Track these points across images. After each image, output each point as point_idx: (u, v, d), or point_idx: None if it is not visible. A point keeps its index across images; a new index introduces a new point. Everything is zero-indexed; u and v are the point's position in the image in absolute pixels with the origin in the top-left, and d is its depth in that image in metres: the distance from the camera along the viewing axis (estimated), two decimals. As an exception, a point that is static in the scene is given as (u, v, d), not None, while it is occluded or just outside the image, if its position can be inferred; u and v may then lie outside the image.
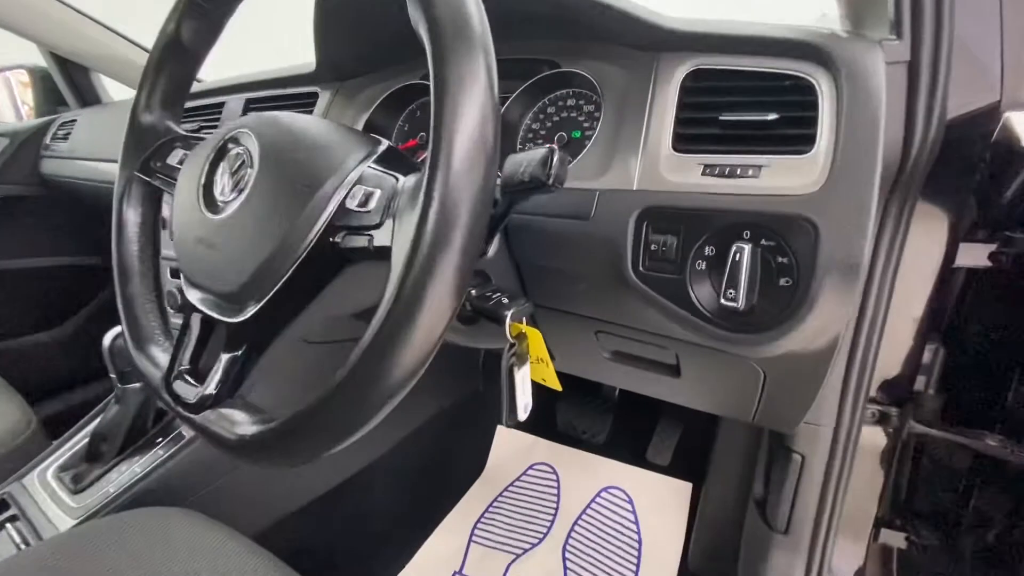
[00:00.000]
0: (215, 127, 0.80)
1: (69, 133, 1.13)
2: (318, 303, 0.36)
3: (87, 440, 0.71)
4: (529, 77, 0.56)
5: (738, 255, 0.36)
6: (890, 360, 0.62)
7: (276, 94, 0.75)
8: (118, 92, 1.31)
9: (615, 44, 0.50)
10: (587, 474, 1.07)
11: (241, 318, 0.36)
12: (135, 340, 0.45)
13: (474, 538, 0.98)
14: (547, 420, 1.14)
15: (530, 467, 1.12)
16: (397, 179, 0.33)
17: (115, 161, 1.00)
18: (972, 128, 0.44)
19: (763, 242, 0.36)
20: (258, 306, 0.35)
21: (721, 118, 0.40)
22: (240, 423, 0.34)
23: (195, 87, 0.85)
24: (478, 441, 1.17)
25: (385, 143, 0.39)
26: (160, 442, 0.70)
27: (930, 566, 0.72)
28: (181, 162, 0.46)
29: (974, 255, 0.57)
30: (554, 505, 1.03)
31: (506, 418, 0.47)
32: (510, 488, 1.09)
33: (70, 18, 1.13)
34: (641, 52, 0.48)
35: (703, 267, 0.39)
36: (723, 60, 0.42)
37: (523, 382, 0.46)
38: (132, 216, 0.48)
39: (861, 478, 0.67)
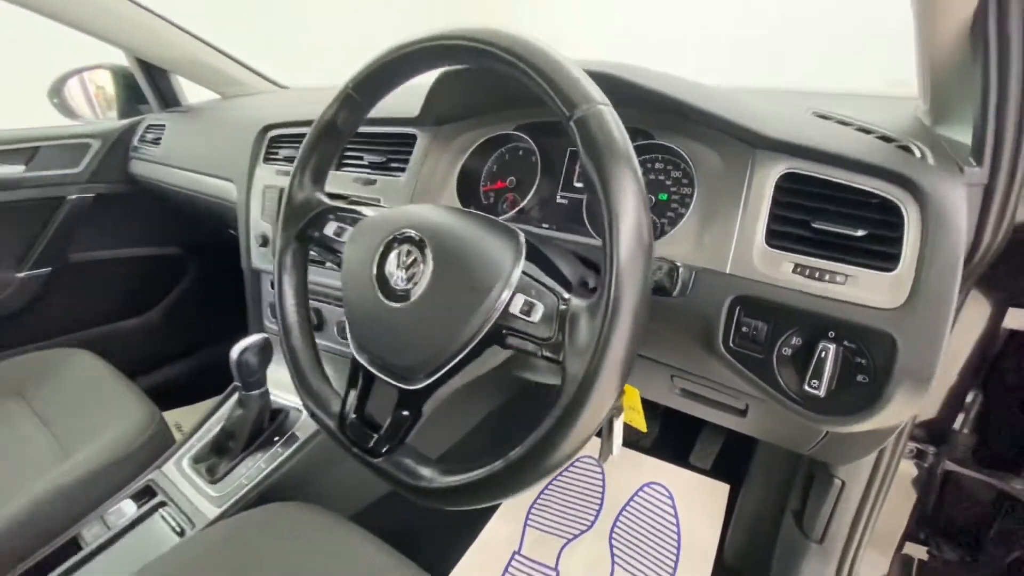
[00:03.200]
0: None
1: (159, 138, 1.21)
2: (473, 373, 0.45)
3: (213, 436, 0.83)
4: None
5: (824, 352, 0.43)
6: (933, 403, 0.69)
7: (375, 132, 0.81)
8: (193, 92, 1.38)
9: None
10: (630, 470, 1.17)
11: (414, 387, 0.44)
12: (303, 385, 0.54)
13: (529, 523, 1.10)
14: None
15: (575, 461, 1.23)
16: (556, 296, 0.40)
17: (205, 173, 1.10)
18: None
19: (846, 343, 0.43)
20: (428, 380, 0.44)
21: (813, 225, 0.46)
22: (421, 474, 0.43)
23: (291, 119, 0.92)
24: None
25: (522, 237, 0.46)
26: (277, 440, 0.82)
27: (946, 577, 0.81)
28: (336, 233, 0.54)
29: (1020, 319, 0.63)
30: (599, 496, 1.14)
31: (601, 457, 0.56)
32: (558, 479, 1.20)
33: (154, 24, 1.19)
34: (737, 141, 0.53)
35: (788, 353, 0.46)
36: (816, 168, 0.47)
37: (618, 430, 0.55)
38: (288, 278, 0.56)
39: (894, 499, 0.75)
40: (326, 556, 0.61)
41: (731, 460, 1.11)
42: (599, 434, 0.56)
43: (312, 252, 0.57)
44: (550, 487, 1.18)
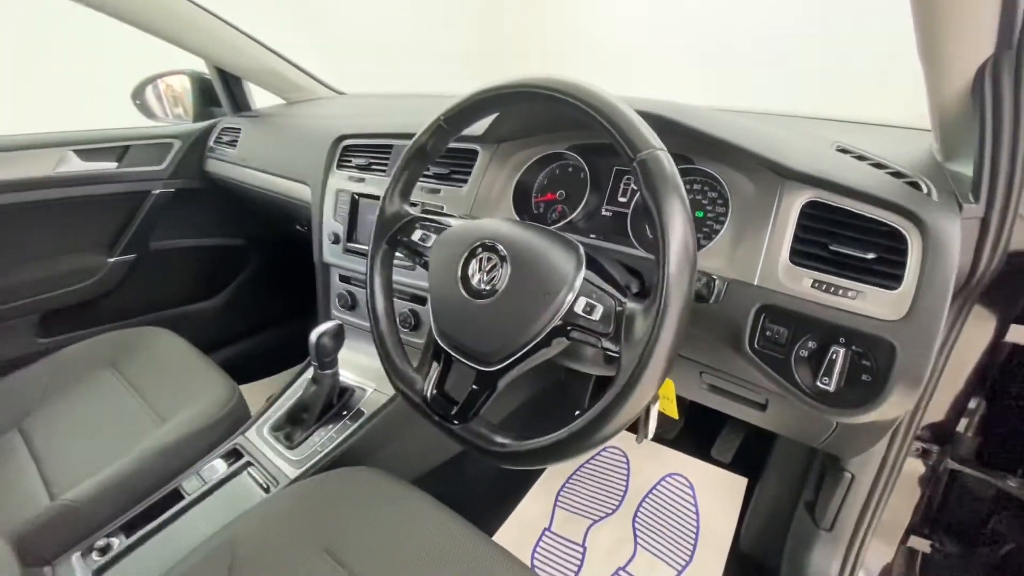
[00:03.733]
0: (385, 162, 0.97)
1: (234, 140, 1.33)
2: (541, 359, 0.54)
3: (289, 408, 0.95)
4: None
5: (835, 355, 0.52)
6: (939, 407, 0.76)
7: None
8: (261, 97, 1.51)
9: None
10: (653, 461, 1.26)
11: (489, 369, 0.54)
12: (391, 365, 0.64)
13: (558, 503, 1.20)
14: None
15: (602, 449, 1.32)
16: (615, 300, 0.49)
17: (281, 175, 1.21)
18: None
19: (854, 347, 0.52)
20: (501, 364, 0.53)
21: (830, 247, 0.55)
22: (495, 440, 0.53)
23: (363, 130, 1.02)
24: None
25: (582, 249, 0.56)
26: (345, 415, 0.93)
27: (948, 570, 0.88)
28: (421, 239, 0.64)
29: (1021, 334, 0.70)
30: (624, 484, 1.23)
31: (638, 439, 0.65)
32: (585, 465, 1.29)
33: (232, 36, 1.32)
34: (768, 170, 0.62)
35: (805, 355, 0.55)
36: (836, 199, 0.56)
37: (654, 415, 0.64)
38: (379, 277, 0.67)
39: (900, 494, 0.82)
40: (390, 512, 0.72)
41: (750, 456, 1.19)
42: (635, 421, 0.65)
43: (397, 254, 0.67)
44: (578, 473, 1.27)
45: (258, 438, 0.92)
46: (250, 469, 0.87)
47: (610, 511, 1.17)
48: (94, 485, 0.79)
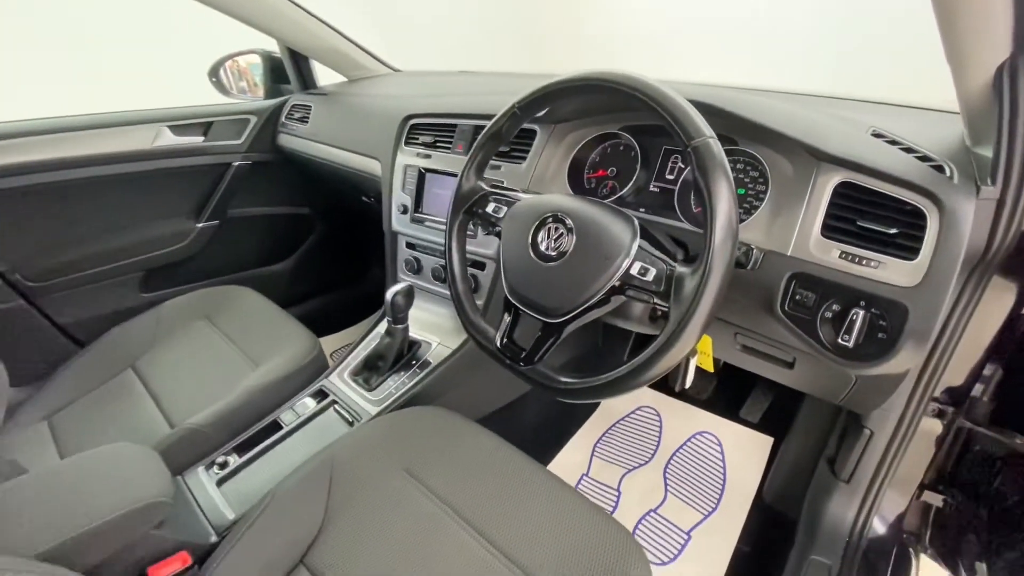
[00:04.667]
0: (449, 140, 1.07)
1: (305, 116, 1.45)
2: (600, 312, 0.64)
3: (365, 356, 1.09)
4: None
5: (855, 316, 0.60)
6: (957, 372, 0.83)
7: None
8: (325, 76, 1.62)
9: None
10: (685, 420, 1.36)
11: (554, 321, 0.65)
12: (467, 319, 0.76)
13: (595, 453, 1.32)
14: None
15: (637, 408, 1.43)
16: (666, 264, 0.59)
17: (351, 151, 1.33)
18: None
19: (872, 310, 0.60)
20: (564, 317, 0.64)
21: (858, 223, 0.62)
22: (558, 379, 0.64)
23: (429, 110, 1.12)
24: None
25: (637, 222, 0.65)
26: (415, 364, 1.06)
27: (957, 521, 0.96)
28: (494, 211, 0.74)
29: (1040, 307, 0.76)
30: (656, 438, 1.34)
31: (679, 386, 0.75)
32: (621, 422, 1.41)
33: (301, 16, 1.42)
34: (805, 152, 0.69)
35: (829, 316, 0.63)
36: (866, 180, 0.63)
37: (692, 367, 0.74)
38: (456, 243, 0.77)
39: (916, 452, 0.90)
40: (457, 442, 0.84)
41: (776, 417, 1.28)
42: (673, 373, 0.75)
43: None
44: (614, 428, 1.39)
45: (340, 382, 1.07)
46: (335, 406, 1.02)
47: (643, 462, 1.29)
48: (212, 413, 0.95)
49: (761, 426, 1.28)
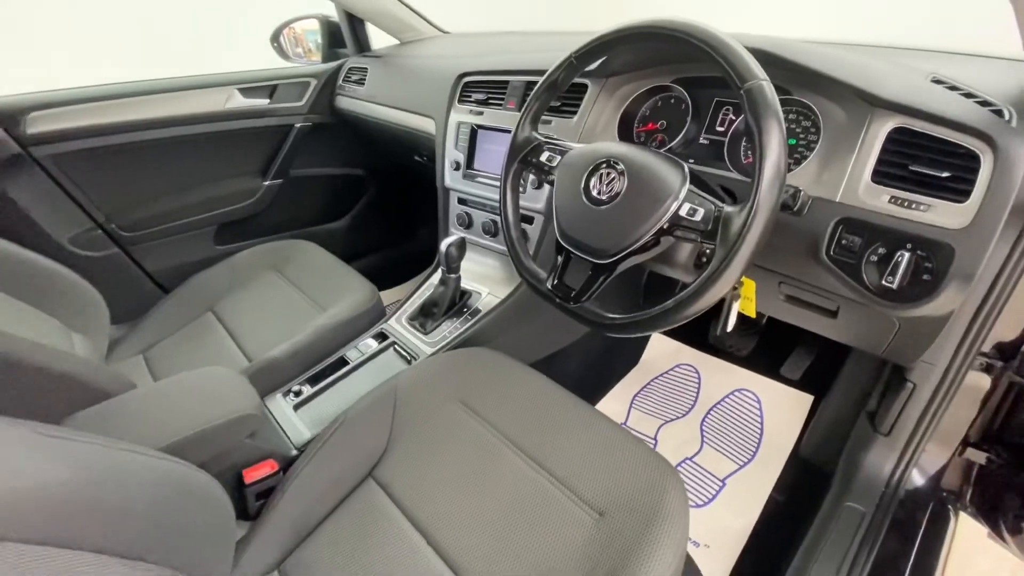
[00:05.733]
0: (501, 97, 1.11)
1: (362, 79, 1.52)
2: (650, 254, 0.68)
3: (421, 303, 1.17)
4: None
5: (900, 258, 0.62)
6: (1007, 326, 0.83)
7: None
8: (378, 39, 1.67)
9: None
10: (724, 377, 1.39)
11: (603, 262, 0.69)
12: (520, 263, 0.81)
13: (634, 405, 1.37)
14: (702, 333, 1.46)
15: (676, 365, 1.47)
16: (714, 205, 0.62)
17: (407, 110, 1.39)
18: None
19: (918, 252, 0.61)
20: (613, 258, 0.68)
21: (910, 168, 0.63)
22: (606, 315, 0.69)
23: (482, 68, 1.16)
24: (636, 342, 1.53)
25: (686, 167, 0.68)
26: (466, 311, 1.14)
27: (999, 478, 0.96)
28: (548, 160, 0.78)
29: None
30: (695, 394, 1.38)
31: (720, 329, 0.79)
32: (660, 377, 1.45)
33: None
34: (859, 99, 0.69)
35: (874, 259, 0.65)
36: (921, 125, 0.63)
37: (734, 310, 0.77)
38: (510, 192, 0.82)
39: (961, 407, 0.90)
40: (507, 379, 0.91)
41: (818, 375, 1.29)
42: (718, 313, 0.79)
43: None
44: (653, 383, 1.43)
45: (398, 326, 1.16)
46: (395, 347, 1.11)
47: (680, 415, 1.33)
48: (288, 347, 1.06)
49: (801, 384, 1.29)
